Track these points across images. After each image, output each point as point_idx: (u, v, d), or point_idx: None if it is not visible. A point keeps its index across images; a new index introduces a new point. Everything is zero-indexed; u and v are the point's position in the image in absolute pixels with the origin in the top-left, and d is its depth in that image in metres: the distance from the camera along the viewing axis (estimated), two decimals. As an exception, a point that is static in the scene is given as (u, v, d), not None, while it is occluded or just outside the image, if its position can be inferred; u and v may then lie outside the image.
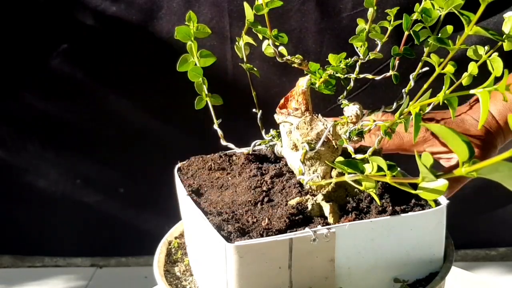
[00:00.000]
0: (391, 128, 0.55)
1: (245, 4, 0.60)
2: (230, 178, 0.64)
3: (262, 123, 0.67)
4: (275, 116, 0.63)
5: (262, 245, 0.51)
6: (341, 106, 0.64)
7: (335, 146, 0.60)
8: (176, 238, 0.72)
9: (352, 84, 0.64)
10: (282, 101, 0.63)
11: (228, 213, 0.57)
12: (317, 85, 0.62)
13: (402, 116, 0.53)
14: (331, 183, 0.58)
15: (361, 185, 0.50)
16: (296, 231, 0.53)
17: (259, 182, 0.61)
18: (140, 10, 1.19)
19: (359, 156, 0.58)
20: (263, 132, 0.68)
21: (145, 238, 1.21)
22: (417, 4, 0.56)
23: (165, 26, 1.20)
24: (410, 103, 0.51)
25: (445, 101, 0.48)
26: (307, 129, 0.60)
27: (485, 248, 1.52)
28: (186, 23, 0.60)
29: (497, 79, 0.45)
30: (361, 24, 0.62)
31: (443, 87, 0.51)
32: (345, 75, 0.61)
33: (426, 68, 0.59)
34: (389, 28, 0.61)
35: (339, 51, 0.62)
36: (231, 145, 0.67)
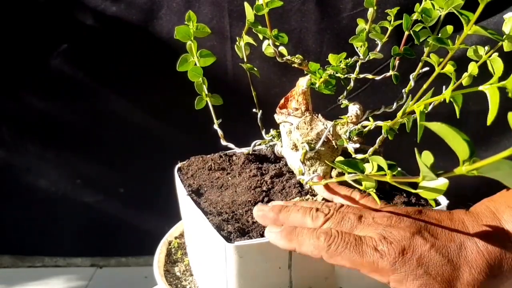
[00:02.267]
0: (392, 128, 0.55)
1: (246, 4, 0.60)
2: (230, 178, 0.64)
3: (262, 123, 0.67)
4: (275, 116, 0.63)
5: (262, 245, 0.51)
6: (341, 106, 0.64)
7: (335, 146, 0.60)
8: (176, 238, 0.72)
9: (352, 84, 0.64)
10: (282, 101, 0.63)
11: (228, 213, 0.57)
12: (317, 85, 0.62)
13: (404, 116, 0.53)
14: (331, 183, 0.58)
15: (361, 184, 0.50)
16: (296, 231, 0.53)
17: (259, 182, 0.61)
18: (140, 10, 1.19)
19: (359, 156, 0.58)
20: (263, 132, 0.68)
21: (145, 238, 1.21)
22: (417, 4, 0.56)
23: (165, 26, 1.20)
24: (413, 102, 0.51)
25: (451, 99, 0.48)
26: (307, 129, 0.60)
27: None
28: (186, 22, 0.60)
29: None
30: (361, 24, 0.62)
31: (445, 86, 0.51)
32: (345, 75, 0.61)
33: (426, 68, 0.59)
34: (389, 28, 0.61)
35: (339, 51, 0.62)
36: (231, 145, 0.67)
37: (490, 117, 0.42)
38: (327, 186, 0.57)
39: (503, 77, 0.46)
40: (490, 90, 0.43)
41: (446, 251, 0.46)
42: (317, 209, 0.52)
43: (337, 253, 0.47)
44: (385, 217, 0.49)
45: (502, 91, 0.44)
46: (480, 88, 0.45)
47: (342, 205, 0.53)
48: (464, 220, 0.49)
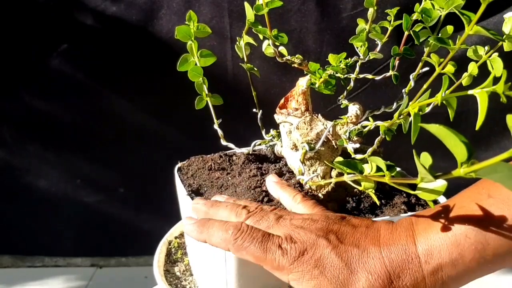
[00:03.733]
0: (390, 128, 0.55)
1: (246, 4, 0.60)
2: (230, 178, 0.64)
3: (262, 123, 0.67)
4: (275, 116, 0.63)
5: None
6: (341, 106, 0.64)
7: (335, 146, 0.60)
8: (176, 238, 0.72)
9: (352, 84, 0.64)
10: (282, 101, 0.63)
11: (228, 213, 0.57)
12: (317, 85, 0.62)
13: (401, 117, 0.53)
14: (330, 183, 0.58)
15: (360, 185, 0.50)
16: (295, 231, 0.53)
17: (259, 182, 0.61)
18: (140, 10, 1.20)
19: (358, 156, 0.58)
20: (263, 132, 0.68)
21: (145, 238, 1.21)
22: (417, 4, 0.56)
23: (165, 26, 1.20)
24: (410, 103, 0.51)
25: (444, 102, 0.48)
26: (307, 129, 0.60)
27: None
28: (186, 22, 0.60)
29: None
30: (361, 24, 0.62)
31: (442, 87, 0.51)
32: (345, 75, 0.61)
33: (426, 68, 0.59)
34: (389, 28, 0.61)
35: (339, 51, 0.62)
36: (231, 145, 0.67)
37: (479, 122, 0.42)
38: (275, 186, 0.58)
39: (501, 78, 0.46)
40: (480, 94, 0.43)
41: (346, 255, 0.46)
42: (244, 207, 0.53)
43: (242, 247, 0.47)
44: (301, 219, 0.50)
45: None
46: (470, 92, 0.45)
47: (272, 207, 0.54)
48: (380, 229, 0.48)
